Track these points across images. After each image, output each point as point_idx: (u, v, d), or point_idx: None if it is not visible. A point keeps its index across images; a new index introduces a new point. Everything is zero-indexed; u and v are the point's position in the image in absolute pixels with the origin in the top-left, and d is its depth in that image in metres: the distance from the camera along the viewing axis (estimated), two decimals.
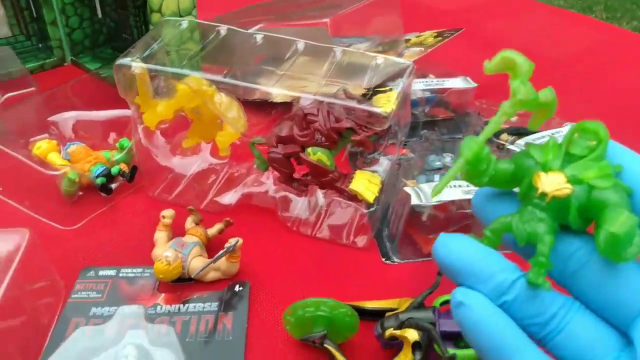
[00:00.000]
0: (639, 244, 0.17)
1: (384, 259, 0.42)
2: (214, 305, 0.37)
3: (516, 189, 0.21)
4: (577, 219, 0.19)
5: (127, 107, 0.51)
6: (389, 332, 0.32)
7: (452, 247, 0.20)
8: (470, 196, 0.41)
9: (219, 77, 0.40)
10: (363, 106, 0.38)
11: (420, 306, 0.33)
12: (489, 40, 0.80)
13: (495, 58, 0.20)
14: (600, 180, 0.19)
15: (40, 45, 0.71)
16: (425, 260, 0.42)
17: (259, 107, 0.46)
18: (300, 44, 0.44)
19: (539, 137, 0.49)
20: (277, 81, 0.41)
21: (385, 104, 0.39)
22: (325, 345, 0.33)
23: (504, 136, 0.51)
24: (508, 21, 0.88)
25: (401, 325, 0.32)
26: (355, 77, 0.43)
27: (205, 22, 0.46)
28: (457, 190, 0.41)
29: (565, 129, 0.50)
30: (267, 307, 0.38)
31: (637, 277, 0.19)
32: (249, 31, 0.45)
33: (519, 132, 0.52)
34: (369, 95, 0.41)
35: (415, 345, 0.31)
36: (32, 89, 0.53)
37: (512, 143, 0.49)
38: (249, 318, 0.36)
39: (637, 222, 0.18)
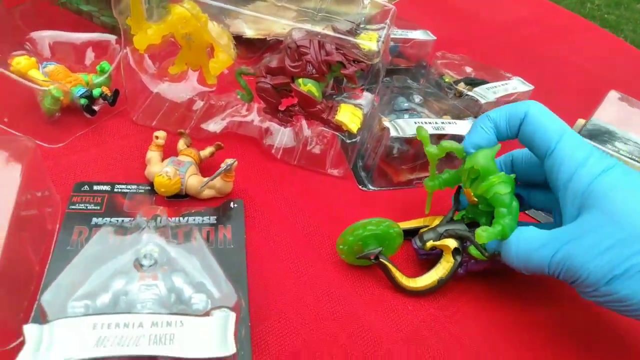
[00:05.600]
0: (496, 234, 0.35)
1: (360, 186, 0.47)
2: (212, 219, 0.40)
3: None
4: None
5: (93, 31, 0.50)
6: (430, 243, 0.38)
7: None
8: (438, 132, 0.46)
9: (218, 3, 0.41)
10: (357, 40, 0.41)
11: (451, 220, 0.39)
12: (443, 3, 0.85)
13: (439, 147, 0.38)
14: (500, 186, 0.35)
15: None
16: (396, 189, 0.48)
17: (244, 43, 0.47)
18: None
19: (491, 87, 0.56)
20: (270, 13, 0.43)
21: (370, 42, 0.43)
22: (381, 260, 0.37)
23: (461, 85, 0.57)
24: None
25: (440, 237, 0.38)
26: (343, 15, 0.46)
27: None
28: (428, 127, 0.46)
29: (513, 80, 0.58)
30: (261, 222, 0.41)
31: None
32: None
33: (473, 82, 0.58)
34: (354, 33, 0.45)
35: (455, 251, 0.38)
36: None
37: (469, 91, 0.55)
38: (246, 230, 0.40)
39: (506, 227, 0.35)
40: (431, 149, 0.39)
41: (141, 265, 0.30)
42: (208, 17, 0.43)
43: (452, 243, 0.38)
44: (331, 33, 0.42)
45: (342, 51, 0.42)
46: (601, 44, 0.84)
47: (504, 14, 0.87)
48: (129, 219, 0.38)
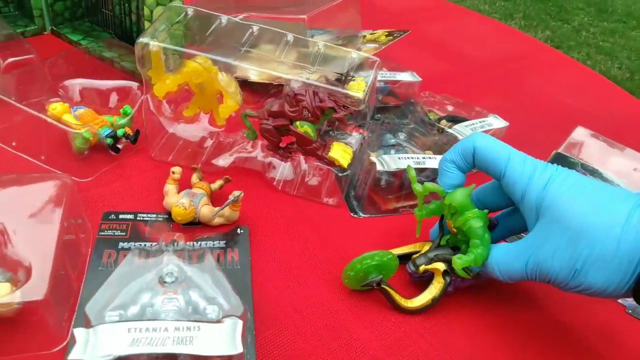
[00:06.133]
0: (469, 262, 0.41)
1: (352, 214, 0.53)
2: (221, 243, 0.46)
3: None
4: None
5: (119, 77, 0.58)
6: (422, 267, 0.44)
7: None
8: (419, 166, 0.53)
9: (225, 59, 0.48)
10: (345, 90, 0.48)
11: (439, 246, 0.45)
12: (430, 42, 0.93)
13: (423, 187, 0.44)
14: (474, 221, 0.41)
15: (16, 12, 0.74)
16: (384, 216, 0.54)
17: (249, 89, 0.54)
18: (290, 37, 0.53)
19: (469, 124, 0.63)
20: (273, 66, 0.50)
21: (357, 90, 0.50)
22: (383, 286, 0.42)
23: (443, 122, 0.64)
24: (446, 26, 1.02)
25: (430, 261, 0.44)
26: (332, 64, 0.53)
27: (207, 11, 0.54)
28: (410, 161, 0.53)
29: (489, 118, 0.64)
30: (263, 246, 0.47)
31: None
32: (247, 22, 0.53)
33: (454, 119, 0.65)
34: (342, 81, 0.52)
35: (445, 273, 0.44)
36: (32, 55, 0.58)
37: (450, 128, 0.62)
38: (251, 253, 0.46)
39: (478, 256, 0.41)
40: (417, 187, 0.44)
41: (164, 282, 0.36)
42: (218, 69, 0.50)
43: (441, 266, 0.44)
44: (323, 85, 0.49)
45: (333, 98, 0.49)
46: (576, 77, 0.91)
47: (487, 51, 0.95)
48: (151, 243, 0.44)
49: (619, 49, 2.72)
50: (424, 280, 0.45)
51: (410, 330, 0.42)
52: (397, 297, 0.43)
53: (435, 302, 0.43)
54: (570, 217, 0.36)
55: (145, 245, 0.44)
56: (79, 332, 0.31)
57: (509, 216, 0.46)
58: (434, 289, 0.44)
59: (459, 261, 0.41)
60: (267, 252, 0.47)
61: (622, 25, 2.93)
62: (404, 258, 0.46)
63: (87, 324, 0.32)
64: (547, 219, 0.37)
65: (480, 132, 0.43)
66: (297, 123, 0.50)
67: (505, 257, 0.40)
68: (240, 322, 0.34)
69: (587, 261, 0.36)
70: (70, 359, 0.30)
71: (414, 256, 0.45)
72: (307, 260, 0.47)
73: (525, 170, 0.39)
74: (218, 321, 0.34)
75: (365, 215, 0.53)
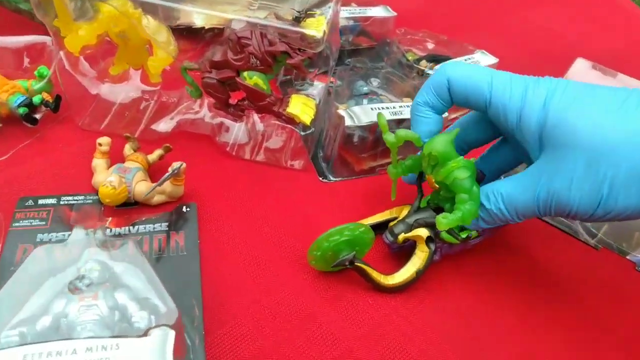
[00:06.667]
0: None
1: (320, 178, 0.46)
2: (163, 226, 0.38)
3: None
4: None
5: (39, 33, 0.48)
6: (402, 236, 0.37)
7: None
8: (395, 117, 0.45)
9: None
10: (297, 29, 0.39)
11: (419, 209, 0.38)
12: None
13: (396, 135, 0.36)
14: (459, 172, 0.34)
15: None
16: (359, 178, 0.46)
17: (187, 34, 0.45)
18: None
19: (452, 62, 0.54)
20: (207, 4, 0.41)
21: (317, 28, 0.41)
22: (357, 264, 0.36)
23: (423, 63, 0.55)
24: None
25: (411, 228, 0.37)
26: (285, 2, 0.44)
27: None
28: (385, 112, 0.45)
29: (477, 54, 0.56)
30: (215, 225, 0.40)
31: None
32: None
33: (435, 59, 0.56)
34: (300, 19, 0.43)
35: (428, 240, 0.37)
36: None
37: (431, 69, 0.54)
38: (199, 235, 0.38)
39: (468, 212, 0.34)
40: (389, 137, 0.37)
41: (76, 288, 0.29)
42: (142, 13, 0.41)
43: (424, 232, 0.37)
44: (273, 22, 0.40)
45: (285, 40, 0.40)
46: (569, 12, 0.82)
47: None
48: (69, 233, 0.36)
49: None
50: (405, 251, 0.38)
51: (391, 312, 0.36)
52: (375, 275, 0.36)
53: (420, 275, 0.37)
54: (583, 135, 0.30)
55: (68, 235, 0.36)
56: None
57: (495, 152, 0.40)
58: (417, 260, 0.37)
59: (444, 221, 0.34)
60: (220, 232, 0.40)
61: None
62: (380, 228, 0.39)
63: None
64: (554, 143, 0.31)
65: (451, 61, 0.35)
66: (245, 74, 0.41)
67: (511, 189, 0.33)
68: (172, 334, 0.27)
69: (614, 183, 0.29)
70: None
71: (391, 224, 0.38)
72: (267, 238, 0.40)
73: (514, 92, 0.33)
74: (145, 333, 0.27)
75: (337, 179, 0.46)
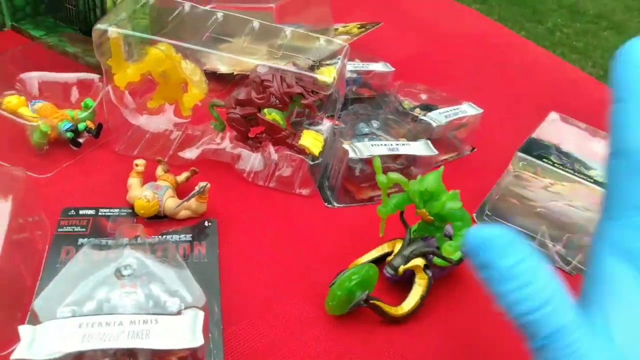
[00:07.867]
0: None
1: (326, 204, 0.52)
2: (188, 236, 0.44)
3: None
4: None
5: (80, 71, 0.55)
6: (402, 268, 0.41)
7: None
8: (393, 152, 0.52)
9: (189, 45, 0.46)
10: (312, 74, 0.46)
11: (411, 241, 0.43)
12: (404, 33, 0.92)
13: (387, 177, 0.42)
14: (451, 203, 0.39)
15: None
16: (359, 205, 0.52)
17: (215, 78, 0.53)
18: (256, 23, 0.52)
19: (443, 112, 0.62)
20: (237, 54, 0.48)
21: (328, 75, 0.48)
22: (372, 302, 0.39)
23: (417, 110, 0.63)
24: (422, 16, 1.01)
25: (408, 260, 0.41)
26: (302, 53, 0.52)
27: None
28: (383, 148, 0.52)
29: (463, 105, 0.63)
30: (232, 239, 0.45)
31: None
32: (210, 9, 0.52)
33: (427, 107, 0.64)
34: (314, 68, 0.50)
35: (425, 267, 0.42)
36: None
37: (424, 116, 0.61)
38: (219, 246, 0.44)
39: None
40: (381, 178, 0.42)
41: (121, 275, 0.34)
42: (182, 57, 0.48)
43: (420, 261, 0.42)
44: (291, 68, 0.47)
45: (301, 84, 0.47)
46: (547, 67, 0.91)
47: (464, 42, 0.94)
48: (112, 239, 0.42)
49: (592, 48, 2.78)
50: (403, 280, 0.42)
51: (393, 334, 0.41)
52: (387, 308, 0.40)
53: (423, 300, 0.41)
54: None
55: (100, 241, 0.42)
56: (24, 330, 0.28)
57: None
58: (419, 288, 0.42)
59: (451, 249, 0.39)
60: (237, 245, 0.45)
61: (594, 26, 2.98)
62: (376, 262, 0.43)
63: (36, 321, 0.30)
64: None
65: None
66: (265, 111, 0.48)
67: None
68: (201, 313, 0.32)
69: None
70: (13, 358, 0.28)
71: (389, 258, 0.43)
72: (278, 252, 0.45)
73: None
74: (178, 313, 0.32)
75: (340, 205, 0.52)
